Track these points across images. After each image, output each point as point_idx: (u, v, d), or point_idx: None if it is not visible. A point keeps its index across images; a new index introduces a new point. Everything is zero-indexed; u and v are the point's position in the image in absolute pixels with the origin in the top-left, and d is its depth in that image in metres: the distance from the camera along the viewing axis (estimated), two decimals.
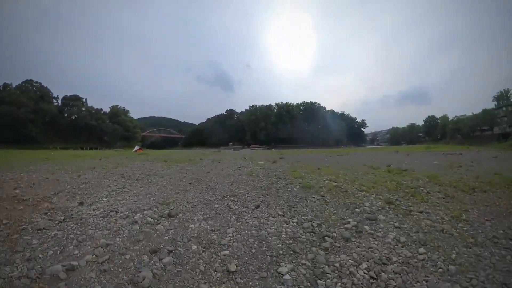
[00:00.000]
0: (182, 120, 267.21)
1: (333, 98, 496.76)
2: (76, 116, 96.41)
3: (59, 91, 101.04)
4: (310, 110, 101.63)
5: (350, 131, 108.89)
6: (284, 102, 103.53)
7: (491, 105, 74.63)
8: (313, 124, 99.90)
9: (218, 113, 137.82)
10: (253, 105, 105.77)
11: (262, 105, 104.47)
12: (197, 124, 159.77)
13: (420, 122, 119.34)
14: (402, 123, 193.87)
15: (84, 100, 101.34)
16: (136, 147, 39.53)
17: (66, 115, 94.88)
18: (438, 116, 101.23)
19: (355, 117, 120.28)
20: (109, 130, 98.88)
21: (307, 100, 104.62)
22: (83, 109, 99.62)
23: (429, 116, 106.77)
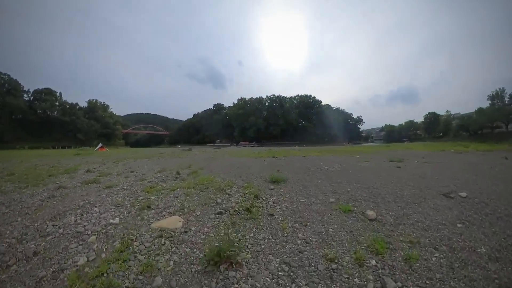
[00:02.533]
0: (171, 117, 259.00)
1: (325, 96, 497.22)
2: (48, 111, 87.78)
3: (34, 86, 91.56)
4: (305, 104, 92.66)
5: (346, 127, 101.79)
6: (277, 94, 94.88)
7: (485, 104, 73.07)
8: (308, 119, 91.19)
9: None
10: (241, 98, 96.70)
11: (252, 97, 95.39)
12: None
13: (407, 121, 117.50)
14: (391, 122, 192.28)
15: (58, 94, 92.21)
16: (99, 145, 38.72)
17: (39, 111, 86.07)
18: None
19: (351, 113, 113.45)
20: (83, 127, 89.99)
21: (302, 93, 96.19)
22: (57, 103, 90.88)
23: (429, 113, 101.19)
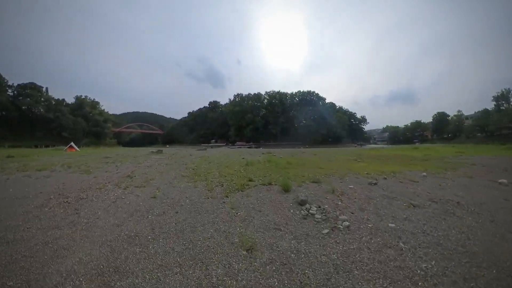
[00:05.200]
0: (168, 116, 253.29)
1: (324, 96, 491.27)
2: (32, 108, 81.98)
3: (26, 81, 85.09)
4: (307, 101, 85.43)
5: (351, 127, 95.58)
6: (277, 90, 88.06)
7: (486, 104, 69.86)
8: (311, 117, 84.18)
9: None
10: (238, 94, 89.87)
11: (249, 94, 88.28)
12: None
13: (406, 122, 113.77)
14: (391, 122, 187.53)
15: (44, 89, 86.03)
16: (69, 145, 35.94)
17: (24, 107, 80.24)
18: (427, 116, 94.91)
19: (355, 113, 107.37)
20: (69, 124, 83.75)
21: (303, 90, 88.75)
22: (43, 99, 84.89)
23: (438, 113, 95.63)
